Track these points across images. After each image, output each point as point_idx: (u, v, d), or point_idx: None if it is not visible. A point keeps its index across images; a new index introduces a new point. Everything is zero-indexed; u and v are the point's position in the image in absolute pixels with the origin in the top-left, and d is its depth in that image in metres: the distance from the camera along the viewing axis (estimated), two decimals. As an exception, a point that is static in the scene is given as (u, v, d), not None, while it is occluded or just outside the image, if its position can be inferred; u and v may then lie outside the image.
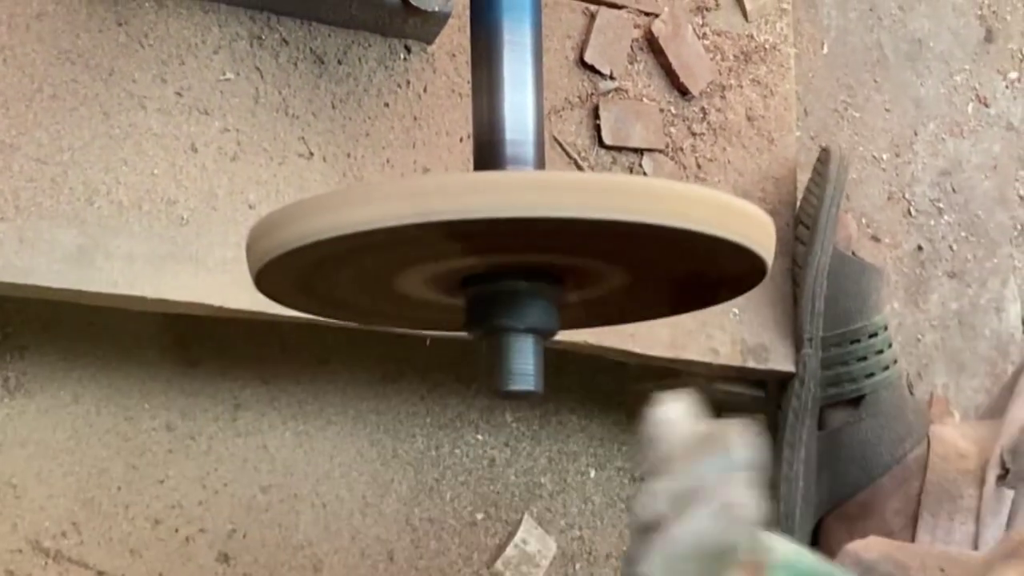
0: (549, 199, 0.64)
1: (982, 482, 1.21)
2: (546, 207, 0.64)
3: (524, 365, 0.75)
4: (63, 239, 1.00)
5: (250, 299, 1.02)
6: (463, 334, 0.79)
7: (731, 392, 1.31)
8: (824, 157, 1.30)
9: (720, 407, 1.39)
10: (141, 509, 1.17)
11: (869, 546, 1.17)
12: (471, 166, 0.80)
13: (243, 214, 1.07)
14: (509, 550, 1.29)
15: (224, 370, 1.23)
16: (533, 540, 1.30)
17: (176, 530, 1.18)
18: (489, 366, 0.77)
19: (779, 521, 1.29)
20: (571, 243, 0.71)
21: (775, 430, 1.32)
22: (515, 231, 0.67)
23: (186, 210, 1.05)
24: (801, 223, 1.29)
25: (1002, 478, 1.21)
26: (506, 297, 0.75)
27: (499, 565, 1.28)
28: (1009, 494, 1.20)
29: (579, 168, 1.21)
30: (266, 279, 0.74)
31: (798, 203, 1.32)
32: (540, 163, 0.79)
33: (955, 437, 1.26)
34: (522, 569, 1.29)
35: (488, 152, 0.79)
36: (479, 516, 1.30)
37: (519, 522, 1.30)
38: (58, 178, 1.01)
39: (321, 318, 0.89)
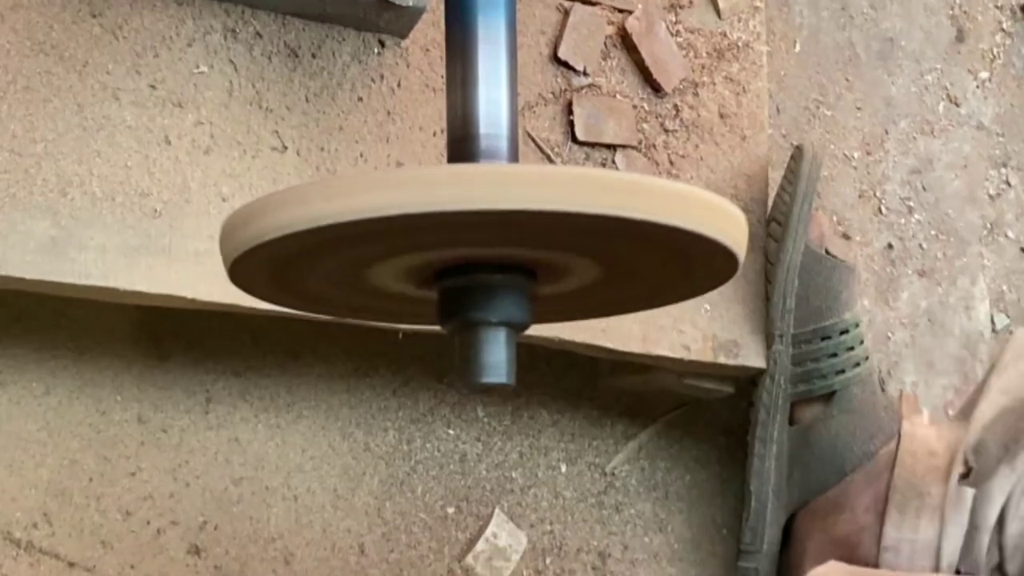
0: (522, 192, 0.64)
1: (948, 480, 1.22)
2: (519, 200, 0.64)
3: (497, 358, 0.76)
4: (36, 230, 1.00)
5: (223, 292, 1.02)
6: (436, 328, 0.79)
7: (700, 388, 1.32)
8: (797, 155, 1.30)
9: (689, 402, 1.40)
10: (113, 501, 1.17)
11: (828, 571, 1.18)
12: (445, 161, 0.81)
13: (216, 207, 1.07)
14: (480, 544, 1.29)
15: (196, 363, 1.23)
16: (504, 534, 1.30)
17: (148, 522, 1.18)
18: (462, 359, 0.77)
19: (750, 517, 1.30)
20: (544, 236, 0.71)
21: (746, 426, 1.33)
22: (488, 224, 0.67)
23: (159, 202, 1.05)
24: (773, 220, 1.30)
25: (965, 476, 1.22)
26: (479, 290, 0.76)
27: (470, 559, 1.29)
28: (970, 493, 1.21)
29: (551, 162, 1.21)
30: (239, 271, 0.74)
31: (770, 200, 1.33)
32: (514, 158, 0.79)
33: (926, 435, 1.27)
34: (493, 563, 1.29)
35: (462, 147, 0.79)
36: (450, 510, 1.30)
37: (490, 516, 1.31)
38: (31, 169, 1.01)
39: (294, 311, 0.89)
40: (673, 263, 0.76)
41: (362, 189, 0.64)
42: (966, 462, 1.22)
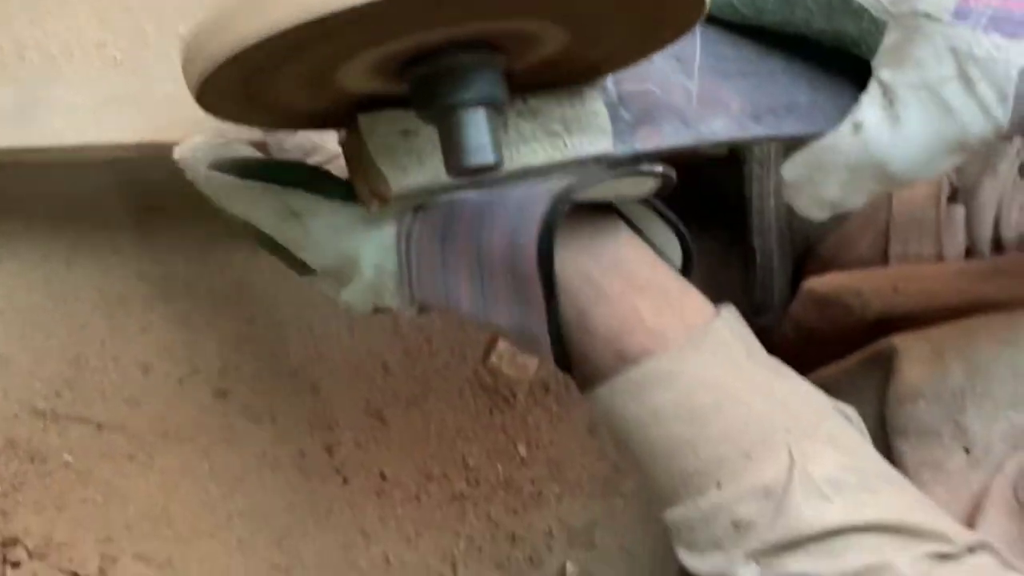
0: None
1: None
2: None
3: (480, 139, 0.75)
4: (0, 99, 0.99)
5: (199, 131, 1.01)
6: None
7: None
8: None
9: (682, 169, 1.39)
10: (130, 359, 1.18)
11: (824, 281, 1.19)
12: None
13: (176, 47, 1.05)
14: (501, 343, 1.29)
15: (188, 210, 1.22)
16: (522, 330, 1.31)
17: (168, 374, 1.19)
18: (445, 147, 0.76)
19: (757, 273, 1.30)
20: (508, 3, 0.70)
21: (740, 185, 1.32)
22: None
23: (117, 51, 1.03)
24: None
25: (952, 198, 1.22)
26: (450, 73, 0.75)
27: (494, 359, 1.29)
28: (960, 212, 1.21)
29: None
30: (209, 95, 0.73)
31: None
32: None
33: None
34: (517, 360, 1.30)
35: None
36: (465, 316, 1.31)
37: (505, 315, 1.31)
38: (-15, 39, 1.00)
39: (271, 129, 0.88)
40: (639, 12, 0.75)
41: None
42: (950, 183, 1.22)
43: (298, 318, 1.24)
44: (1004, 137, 0.87)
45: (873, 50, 0.88)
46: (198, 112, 0.75)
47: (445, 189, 0.83)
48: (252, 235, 0.90)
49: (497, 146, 0.76)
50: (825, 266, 1.26)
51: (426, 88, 0.76)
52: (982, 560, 0.77)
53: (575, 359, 0.81)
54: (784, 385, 0.81)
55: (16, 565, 1.11)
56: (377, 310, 0.90)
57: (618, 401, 0.80)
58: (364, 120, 0.81)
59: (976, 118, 0.84)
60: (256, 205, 0.85)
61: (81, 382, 1.16)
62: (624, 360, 0.79)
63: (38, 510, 1.11)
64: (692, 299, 0.83)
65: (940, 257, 1.19)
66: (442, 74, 0.75)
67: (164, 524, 1.15)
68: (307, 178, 0.84)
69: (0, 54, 1.00)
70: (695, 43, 0.91)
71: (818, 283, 1.20)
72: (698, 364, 0.79)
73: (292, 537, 1.20)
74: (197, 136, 0.92)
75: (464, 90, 0.74)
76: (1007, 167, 1.19)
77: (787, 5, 0.91)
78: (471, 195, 0.83)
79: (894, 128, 0.86)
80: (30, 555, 1.09)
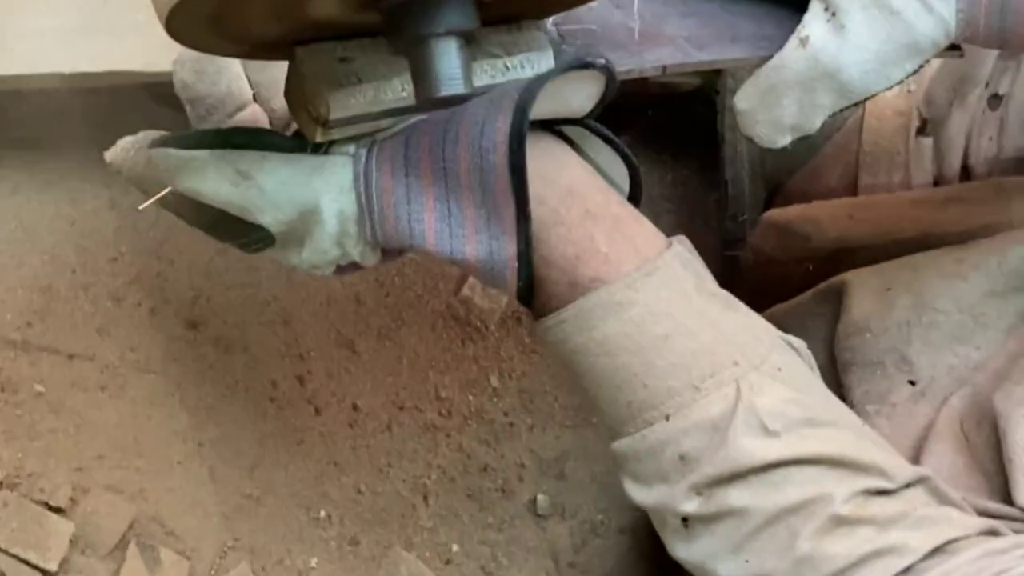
0: None
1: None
2: None
3: (451, 69, 0.75)
4: (-32, 26, 0.98)
5: (169, 61, 1.00)
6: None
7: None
8: None
9: (659, 103, 1.40)
10: (100, 289, 1.17)
11: (785, 211, 1.19)
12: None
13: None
14: (472, 275, 1.30)
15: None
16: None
17: (139, 304, 1.19)
18: (416, 76, 0.76)
19: (729, 204, 1.30)
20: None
21: (713, 115, 1.33)
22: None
23: (88, -22, 1.02)
24: None
25: (920, 130, 1.22)
26: (420, 4, 0.74)
27: (466, 290, 1.30)
28: (928, 144, 1.21)
29: None
30: (177, 23, 0.72)
31: None
32: None
33: (894, 96, 1.26)
34: (489, 292, 1.30)
35: None
36: (437, 247, 1.31)
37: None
38: (-49, -36, 0.99)
39: (235, 57, 0.88)
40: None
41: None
42: (920, 115, 1.22)
43: (270, 249, 1.24)
44: (956, 42, 0.87)
45: None
46: (167, 40, 0.74)
47: (388, 114, 0.82)
48: (202, 222, 0.89)
49: (468, 76, 0.75)
50: (795, 199, 1.27)
51: (399, 17, 0.75)
52: (916, 494, 0.78)
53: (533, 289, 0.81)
54: (733, 318, 0.82)
55: (-13, 495, 1.12)
56: (340, 269, 0.89)
57: (569, 330, 0.80)
58: (301, 51, 0.80)
59: (921, 16, 0.84)
60: (205, 176, 0.82)
61: (52, 312, 1.15)
62: (576, 288, 0.79)
63: (8, 439, 1.11)
64: (644, 228, 0.83)
65: (908, 188, 1.20)
66: (416, 3, 0.74)
67: (135, 454, 1.16)
68: (253, 137, 0.82)
69: (-32, -20, 0.99)
70: None
71: (778, 213, 1.20)
72: (649, 294, 0.79)
73: (263, 467, 1.21)
74: (122, 140, 0.90)
75: (438, 20, 0.74)
76: (975, 98, 1.19)
77: None
78: (427, 117, 0.82)
79: (840, 36, 0.85)
80: (1, 485, 1.09)
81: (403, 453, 1.26)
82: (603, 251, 0.79)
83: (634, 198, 0.87)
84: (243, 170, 0.81)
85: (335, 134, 0.81)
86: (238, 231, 0.87)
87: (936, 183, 1.21)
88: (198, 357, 1.20)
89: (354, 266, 0.89)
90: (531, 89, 0.77)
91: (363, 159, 0.82)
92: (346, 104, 0.80)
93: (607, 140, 0.86)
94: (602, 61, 0.80)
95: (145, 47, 1.02)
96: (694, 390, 0.78)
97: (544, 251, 0.80)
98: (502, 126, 0.76)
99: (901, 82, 0.88)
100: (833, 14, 0.85)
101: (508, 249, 0.78)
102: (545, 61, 0.85)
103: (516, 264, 0.78)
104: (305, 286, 1.24)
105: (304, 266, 0.87)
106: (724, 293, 0.83)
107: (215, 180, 0.82)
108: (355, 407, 1.25)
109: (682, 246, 0.83)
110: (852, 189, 1.24)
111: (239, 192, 0.82)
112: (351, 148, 0.82)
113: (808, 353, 0.85)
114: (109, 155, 0.89)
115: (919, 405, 0.99)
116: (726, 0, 0.94)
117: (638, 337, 0.79)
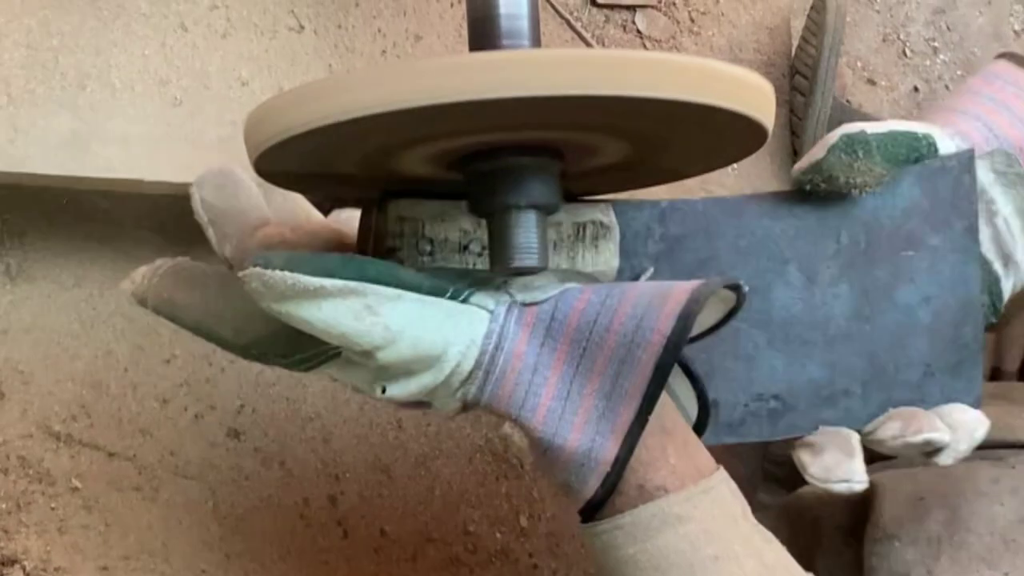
0: (548, 77, 0.63)
1: None
2: (544, 86, 0.63)
3: (527, 241, 0.75)
4: (57, 126, 1.00)
5: (248, 176, 1.02)
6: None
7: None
8: (819, 6, 1.28)
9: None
10: (149, 389, 1.18)
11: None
12: (464, 31, 0.79)
13: (236, 91, 1.06)
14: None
15: (223, 247, 1.23)
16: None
17: (185, 408, 1.19)
18: (493, 243, 0.77)
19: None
20: (571, 119, 0.70)
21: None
22: (517, 109, 0.66)
23: (179, 90, 1.04)
24: (798, 73, 1.28)
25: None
26: (507, 174, 0.75)
27: (507, 427, 1.29)
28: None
29: (572, 28, 1.20)
30: (264, 166, 0.73)
31: (793, 52, 1.31)
32: (535, 38, 0.78)
33: None
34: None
35: (483, 28, 0.77)
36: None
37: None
38: (49, 64, 1.00)
39: (313, 196, 0.89)
40: (702, 137, 0.76)
41: (389, 80, 0.64)
42: None
43: (319, 365, 1.25)
44: None
45: None
46: (246, 158, 0.75)
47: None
48: (239, 340, 0.83)
49: (543, 250, 0.76)
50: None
51: (482, 184, 0.76)
52: None
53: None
54: (772, 552, 0.81)
55: (12, 585, 1.12)
56: (405, 403, 0.85)
57: (623, 539, 0.79)
58: (391, 204, 0.80)
59: None
60: (324, 305, 0.75)
61: (99, 408, 1.16)
62: (643, 493, 0.78)
63: (39, 532, 1.11)
64: (703, 452, 0.83)
65: None
66: (499, 173, 0.75)
67: (162, 559, 1.16)
68: (387, 272, 0.78)
69: (62, 80, 1.00)
70: None
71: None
72: (704, 511, 0.78)
73: (286, 585, 1.21)
74: (136, 271, 0.86)
75: (518, 194, 0.75)
76: None
77: None
78: (582, 291, 0.80)
79: None
80: (26, 576, 1.10)
81: (425, 585, 1.26)
82: (672, 462, 0.79)
83: (700, 426, 0.87)
84: (372, 305, 0.77)
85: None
86: (292, 349, 0.82)
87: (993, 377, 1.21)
88: (235, 467, 1.20)
89: (420, 404, 0.85)
90: (698, 299, 0.76)
91: (501, 317, 0.79)
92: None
93: (686, 370, 0.85)
94: (744, 284, 0.79)
95: (224, 162, 1.03)
96: None
97: None
98: (662, 327, 0.75)
99: None
100: None
101: (609, 451, 0.77)
102: (613, 238, 0.86)
103: (610, 469, 0.77)
104: (348, 405, 1.25)
105: (369, 392, 0.83)
106: (761, 527, 0.83)
107: (336, 311, 0.76)
108: (383, 532, 1.25)
109: (726, 473, 0.82)
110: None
111: (361, 326, 0.76)
112: (491, 303, 0.80)
113: None
114: (127, 286, 0.85)
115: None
116: None
117: (691, 555, 0.78)
